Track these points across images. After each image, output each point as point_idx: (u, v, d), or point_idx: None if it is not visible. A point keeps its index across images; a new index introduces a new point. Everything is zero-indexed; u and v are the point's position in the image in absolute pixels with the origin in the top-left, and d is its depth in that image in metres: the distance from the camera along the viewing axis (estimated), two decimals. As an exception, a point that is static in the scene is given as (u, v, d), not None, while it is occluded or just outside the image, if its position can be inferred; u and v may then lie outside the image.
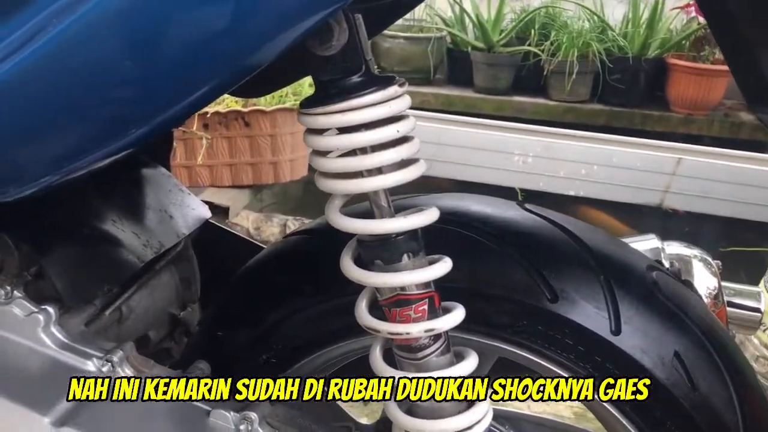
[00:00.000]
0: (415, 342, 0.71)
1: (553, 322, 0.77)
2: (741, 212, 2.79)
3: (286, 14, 0.55)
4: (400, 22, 3.71)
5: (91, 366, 0.83)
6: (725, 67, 3.47)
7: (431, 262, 0.71)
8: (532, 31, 3.54)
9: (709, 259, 1.07)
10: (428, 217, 0.69)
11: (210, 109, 2.15)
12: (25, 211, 0.84)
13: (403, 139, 0.66)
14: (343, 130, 0.65)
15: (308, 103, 0.66)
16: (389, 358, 0.74)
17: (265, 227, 2.21)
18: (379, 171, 0.66)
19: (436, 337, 0.71)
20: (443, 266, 0.70)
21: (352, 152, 0.66)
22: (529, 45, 3.54)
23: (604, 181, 2.76)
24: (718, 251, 2.85)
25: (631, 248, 0.86)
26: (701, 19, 3.43)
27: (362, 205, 0.73)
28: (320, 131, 0.66)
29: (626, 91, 3.52)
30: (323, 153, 0.68)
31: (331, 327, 0.84)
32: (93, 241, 0.89)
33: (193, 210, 1.10)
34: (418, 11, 3.65)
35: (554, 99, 3.56)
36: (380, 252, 0.69)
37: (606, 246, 0.82)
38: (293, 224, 2.21)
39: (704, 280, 1.01)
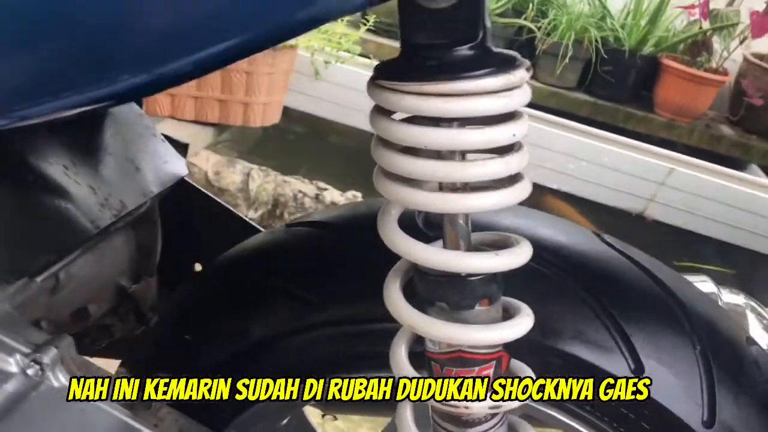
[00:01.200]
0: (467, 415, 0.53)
1: (632, 399, 0.60)
2: (715, 231, 2.71)
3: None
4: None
5: (13, 365, 0.62)
6: (717, 77, 3.36)
7: (506, 310, 0.53)
8: (530, 5, 3.34)
9: (763, 312, 0.92)
10: (524, 255, 0.50)
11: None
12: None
13: (512, 147, 0.47)
14: (436, 120, 0.45)
15: (389, 71, 0.45)
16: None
17: (226, 173, 1.98)
18: (472, 187, 0.47)
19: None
20: (526, 321, 0.51)
21: (437, 153, 0.46)
22: (525, 19, 3.34)
23: (589, 180, 2.61)
24: (672, 263, 2.77)
25: (724, 310, 0.70)
26: (704, 23, 3.29)
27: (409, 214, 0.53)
28: (395, 113, 0.46)
29: (615, 84, 3.37)
30: (394, 146, 0.47)
31: (341, 355, 0.65)
32: (34, 195, 0.67)
33: (166, 163, 0.88)
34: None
35: (541, 81, 3.38)
36: (447, 292, 0.50)
37: (700, 304, 0.65)
38: (258, 174, 1.98)
39: (758, 336, 0.87)
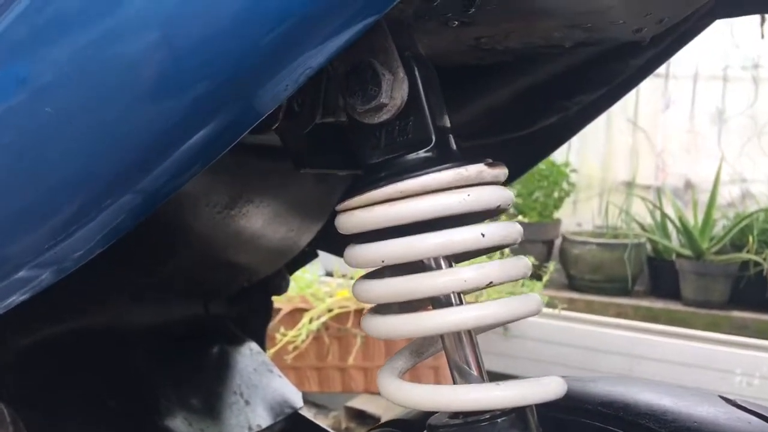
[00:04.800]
0: None
1: None
2: None
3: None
4: (590, 227, 3.44)
5: None
6: None
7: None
8: (750, 238, 3.08)
9: None
10: (547, 389, 0.40)
11: (368, 305, 1.96)
12: (36, 373, 0.66)
13: (492, 249, 0.40)
14: (396, 230, 0.40)
15: (344, 194, 0.43)
16: None
17: (423, 445, 1.88)
18: (458, 298, 0.40)
19: None
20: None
21: (414, 265, 0.41)
22: (748, 252, 3.07)
23: None
24: None
25: None
26: None
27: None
28: (362, 236, 0.42)
29: None
30: (372, 275, 0.43)
31: None
32: (115, 424, 0.68)
33: (280, 396, 0.87)
34: (612, 217, 3.37)
35: (784, 316, 2.98)
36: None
37: None
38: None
39: None
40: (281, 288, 0.94)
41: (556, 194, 3.30)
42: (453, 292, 0.40)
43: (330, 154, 0.57)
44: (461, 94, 0.71)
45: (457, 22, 0.51)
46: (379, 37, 0.41)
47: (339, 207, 0.42)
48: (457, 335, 0.42)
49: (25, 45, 0.38)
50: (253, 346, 0.90)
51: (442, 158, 0.40)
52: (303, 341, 1.99)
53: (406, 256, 0.39)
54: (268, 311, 0.95)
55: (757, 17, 1.64)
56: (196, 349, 0.83)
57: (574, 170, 3.37)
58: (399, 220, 0.39)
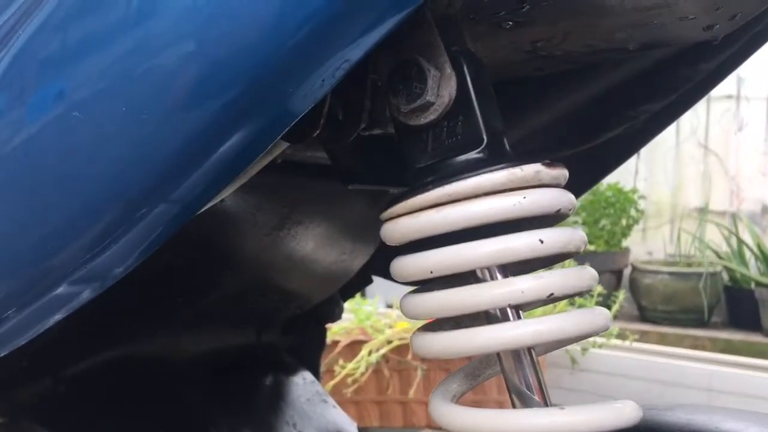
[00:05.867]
0: None
1: None
2: None
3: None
4: (661, 256, 3.31)
5: None
6: None
7: None
8: None
9: None
10: (619, 414, 0.35)
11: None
12: (84, 402, 0.65)
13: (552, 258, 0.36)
14: (441, 239, 0.37)
15: (388, 201, 0.40)
16: None
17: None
18: (516, 313, 0.36)
19: None
20: None
21: (466, 277, 0.37)
22: None
23: None
24: None
25: None
26: None
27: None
28: (410, 247, 0.38)
29: None
30: (421, 290, 0.40)
31: None
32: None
33: (334, 427, 0.83)
34: (684, 245, 3.23)
35: None
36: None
37: None
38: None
39: None
40: (335, 315, 0.91)
41: (623, 222, 3.19)
42: (509, 306, 0.36)
43: (380, 170, 0.54)
44: (520, 108, 0.68)
45: (510, 22, 0.47)
46: (425, 33, 0.39)
47: (384, 215, 0.39)
48: (515, 354, 0.38)
49: (60, 59, 0.37)
50: (307, 375, 0.87)
51: (495, 159, 0.37)
52: (362, 374, 1.96)
53: (456, 266, 0.35)
54: (322, 339, 0.92)
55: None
56: (248, 378, 0.81)
57: (642, 197, 3.25)
58: (448, 227, 0.35)
